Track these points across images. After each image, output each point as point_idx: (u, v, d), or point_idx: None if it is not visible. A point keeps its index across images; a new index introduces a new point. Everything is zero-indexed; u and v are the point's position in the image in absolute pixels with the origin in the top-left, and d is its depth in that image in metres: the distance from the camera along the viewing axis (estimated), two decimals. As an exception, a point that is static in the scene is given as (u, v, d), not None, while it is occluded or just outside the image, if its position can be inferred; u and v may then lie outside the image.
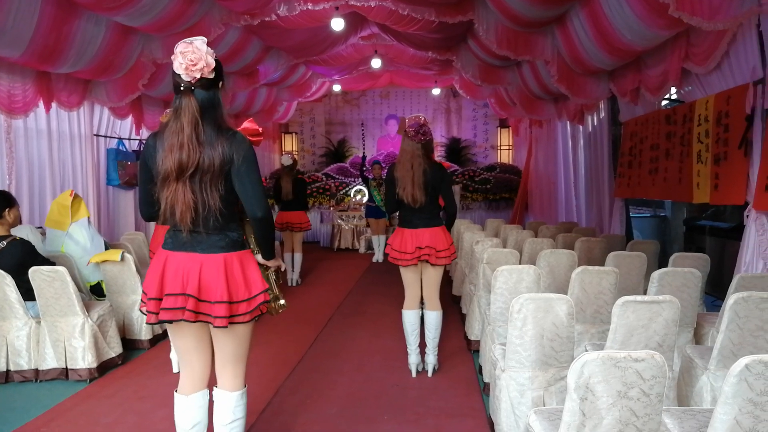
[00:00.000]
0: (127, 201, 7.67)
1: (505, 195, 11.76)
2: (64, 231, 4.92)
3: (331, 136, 13.98)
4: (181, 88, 2.19)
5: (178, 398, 2.45)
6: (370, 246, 10.55)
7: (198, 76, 2.16)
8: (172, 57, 2.18)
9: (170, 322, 2.24)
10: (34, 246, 4.13)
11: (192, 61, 2.13)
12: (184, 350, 2.41)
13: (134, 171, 7.51)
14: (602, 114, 7.09)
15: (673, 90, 5.53)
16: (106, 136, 7.17)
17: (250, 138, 2.33)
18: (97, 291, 4.91)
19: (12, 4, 4.48)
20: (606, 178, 6.86)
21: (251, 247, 2.43)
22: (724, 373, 2.78)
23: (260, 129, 2.63)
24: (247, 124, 2.80)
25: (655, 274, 3.54)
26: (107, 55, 5.87)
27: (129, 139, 7.61)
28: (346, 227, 11.04)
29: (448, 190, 4.05)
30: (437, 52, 8.97)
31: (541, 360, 2.82)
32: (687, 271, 3.53)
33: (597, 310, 3.61)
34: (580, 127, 7.82)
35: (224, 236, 2.28)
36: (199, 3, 6.06)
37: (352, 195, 12.07)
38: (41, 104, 5.73)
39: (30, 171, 5.86)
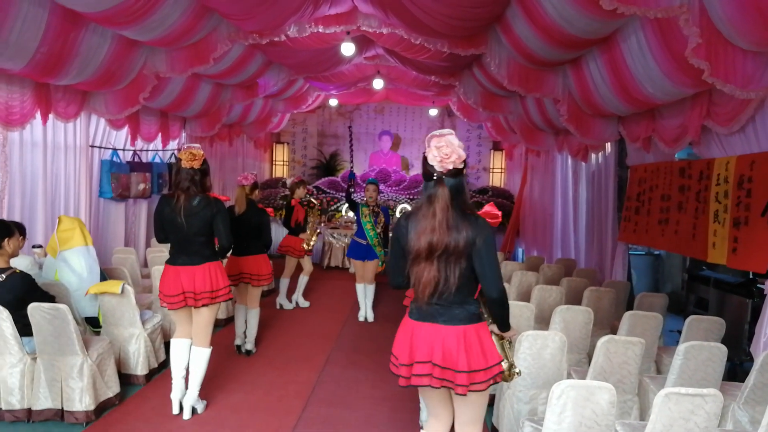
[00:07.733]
0: (118, 214, 7.40)
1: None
2: (54, 258, 4.70)
3: (323, 149, 13.80)
4: (434, 177, 2.50)
5: None
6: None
7: (450, 167, 2.47)
8: (426, 149, 2.51)
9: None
10: (34, 279, 3.92)
11: (446, 155, 2.44)
12: (432, 405, 2.79)
13: (127, 183, 7.25)
14: (608, 153, 7.05)
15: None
16: (101, 147, 6.92)
17: (489, 220, 2.57)
18: (92, 321, 4.69)
19: (18, 17, 4.28)
20: (610, 221, 6.82)
21: (487, 318, 2.68)
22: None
23: (499, 213, 2.71)
24: (488, 208, 2.95)
25: (681, 348, 3.48)
26: (110, 67, 5.68)
27: (123, 149, 7.36)
28: (337, 245, 10.87)
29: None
30: (440, 76, 8.92)
31: (576, 446, 2.72)
32: (713, 346, 3.48)
33: (620, 380, 3.53)
34: (583, 163, 7.78)
35: (463, 309, 2.56)
36: (207, 19, 5.87)
37: (343, 212, 11.87)
38: (38, 115, 5.50)
39: (23, 184, 5.61)
